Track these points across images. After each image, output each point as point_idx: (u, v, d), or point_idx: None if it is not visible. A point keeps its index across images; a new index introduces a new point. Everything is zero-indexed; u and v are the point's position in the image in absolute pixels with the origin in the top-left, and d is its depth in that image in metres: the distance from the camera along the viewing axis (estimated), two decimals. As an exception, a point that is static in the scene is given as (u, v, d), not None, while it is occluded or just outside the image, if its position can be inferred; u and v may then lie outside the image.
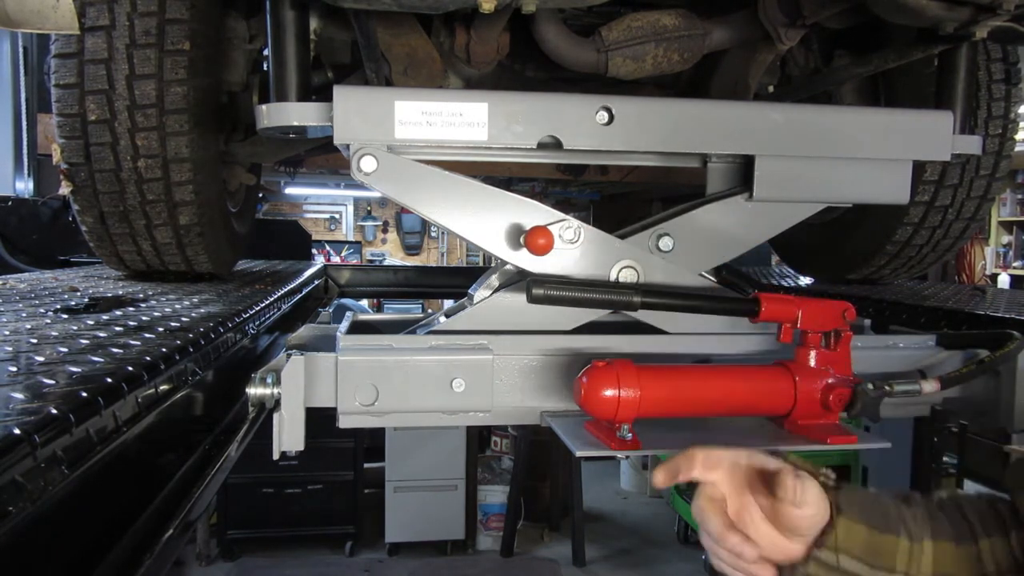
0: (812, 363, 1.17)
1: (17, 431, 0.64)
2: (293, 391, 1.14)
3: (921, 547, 0.87)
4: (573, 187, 4.67)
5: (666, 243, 1.35)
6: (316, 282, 2.97)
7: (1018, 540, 0.88)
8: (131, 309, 1.48)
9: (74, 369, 0.89)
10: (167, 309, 1.49)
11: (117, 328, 1.22)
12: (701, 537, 0.89)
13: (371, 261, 11.07)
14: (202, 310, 1.49)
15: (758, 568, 0.86)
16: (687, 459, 0.88)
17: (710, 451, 0.89)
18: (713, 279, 1.40)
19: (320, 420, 1.19)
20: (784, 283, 3.08)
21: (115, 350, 1.02)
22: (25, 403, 0.73)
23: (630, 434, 1.05)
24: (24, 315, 1.37)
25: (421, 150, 1.28)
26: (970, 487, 2.45)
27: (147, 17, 1.66)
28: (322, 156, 3.27)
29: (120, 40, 1.66)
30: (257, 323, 1.58)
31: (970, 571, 0.88)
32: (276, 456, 1.14)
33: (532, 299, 1.17)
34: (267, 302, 1.73)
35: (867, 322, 1.65)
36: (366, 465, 5.53)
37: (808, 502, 0.83)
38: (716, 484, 0.88)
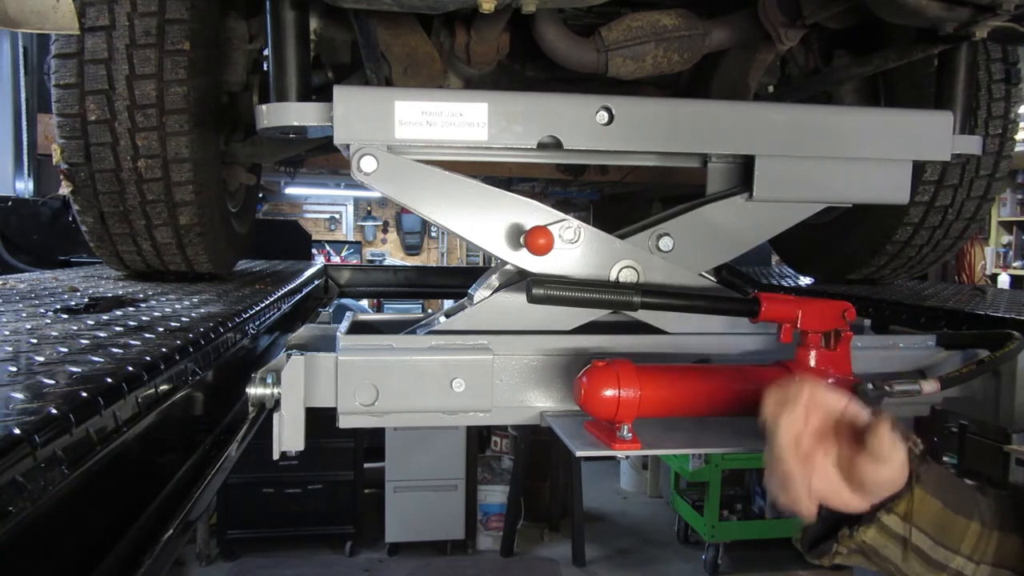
0: (812, 363, 1.17)
1: (17, 431, 0.64)
2: (293, 391, 1.14)
3: (991, 535, 0.87)
4: (573, 187, 4.67)
5: (666, 243, 1.35)
6: (316, 282, 2.97)
7: None
8: (131, 309, 1.48)
9: (74, 369, 0.89)
10: (167, 309, 1.49)
11: (117, 328, 1.22)
12: (767, 444, 0.86)
13: (371, 261, 11.08)
14: (202, 310, 1.49)
15: (803, 503, 0.85)
16: (797, 392, 0.86)
17: (817, 389, 0.86)
18: (713, 279, 1.40)
19: (320, 420, 1.19)
20: (784, 283, 3.08)
21: (115, 350, 1.02)
22: (25, 403, 0.73)
23: (630, 434, 1.05)
24: (24, 315, 1.37)
25: (421, 150, 1.28)
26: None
27: (147, 17, 1.66)
28: (322, 156, 3.27)
29: (120, 40, 1.66)
30: (257, 323, 1.58)
31: None
32: (276, 456, 1.14)
33: (532, 299, 1.17)
34: (267, 302, 1.73)
35: (867, 322, 1.66)
36: (366, 465, 5.53)
37: (892, 462, 0.82)
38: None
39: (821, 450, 0.85)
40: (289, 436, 1.13)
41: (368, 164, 1.22)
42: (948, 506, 0.87)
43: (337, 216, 11.94)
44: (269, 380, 1.13)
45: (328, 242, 10.52)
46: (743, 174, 1.38)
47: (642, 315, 1.31)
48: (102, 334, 1.16)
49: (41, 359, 0.95)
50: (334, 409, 1.17)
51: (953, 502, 0.87)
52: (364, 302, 7.57)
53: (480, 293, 1.35)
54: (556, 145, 1.26)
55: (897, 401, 1.22)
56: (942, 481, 0.88)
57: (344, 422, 1.18)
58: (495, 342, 1.23)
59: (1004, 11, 1.28)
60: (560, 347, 1.26)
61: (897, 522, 0.86)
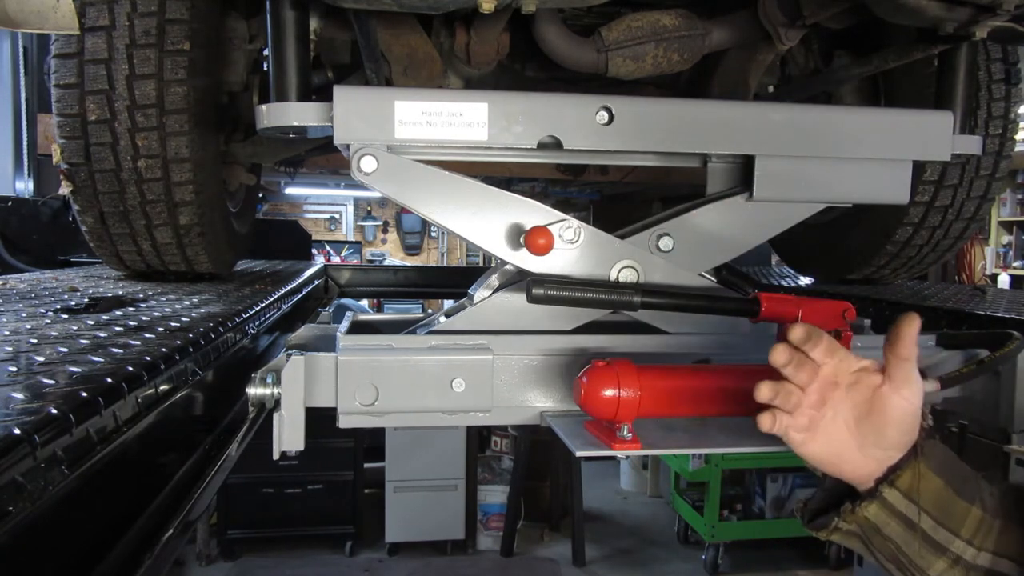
0: (812, 363, 1.16)
1: (17, 431, 0.64)
2: (293, 391, 1.14)
3: (992, 522, 0.86)
4: (573, 187, 4.67)
5: (666, 243, 1.35)
6: (316, 282, 2.97)
7: None
8: (131, 309, 1.48)
9: (74, 369, 0.89)
10: (167, 309, 1.49)
11: (117, 328, 1.22)
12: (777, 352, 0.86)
13: (371, 261, 11.08)
14: (202, 310, 1.49)
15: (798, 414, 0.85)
16: (819, 337, 0.85)
17: (833, 342, 0.86)
18: (713, 279, 1.40)
19: (320, 420, 1.19)
20: (784, 283, 3.08)
21: (115, 350, 1.02)
22: (25, 403, 0.73)
23: (630, 434, 1.05)
24: (24, 315, 1.37)
25: (421, 150, 1.28)
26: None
27: (147, 17, 1.66)
28: (322, 156, 3.27)
29: (120, 40, 1.66)
30: (257, 323, 1.58)
31: None
32: (276, 456, 1.13)
33: (532, 299, 1.17)
34: (267, 302, 1.73)
35: (867, 322, 1.65)
36: (366, 465, 5.53)
37: (912, 390, 0.82)
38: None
39: (832, 402, 0.85)
40: (289, 436, 1.13)
41: (368, 164, 1.22)
42: (950, 486, 0.85)
43: (337, 216, 11.94)
44: (269, 380, 1.13)
45: (328, 242, 10.52)
46: (743, 174, 1.37)
47: (642, 315, 1.31)
48: (102, 334, 1.16)
49: (41, 359, 0.95)
50: (334, 409, 1.17)
51: (956, 483, 0.86)
52: (364, 302, 7.57)
53: (480, 293, 1.34)
54: (556, 145, 1.26)
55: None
56: (945, 460, 0.87)
57: (344, 422, 1.18)
58: (495, 342, 1.23)
59: (1004, 11, 1.28)
60: (560, 347, 1.26)
61: (899, 498, 0.84)
